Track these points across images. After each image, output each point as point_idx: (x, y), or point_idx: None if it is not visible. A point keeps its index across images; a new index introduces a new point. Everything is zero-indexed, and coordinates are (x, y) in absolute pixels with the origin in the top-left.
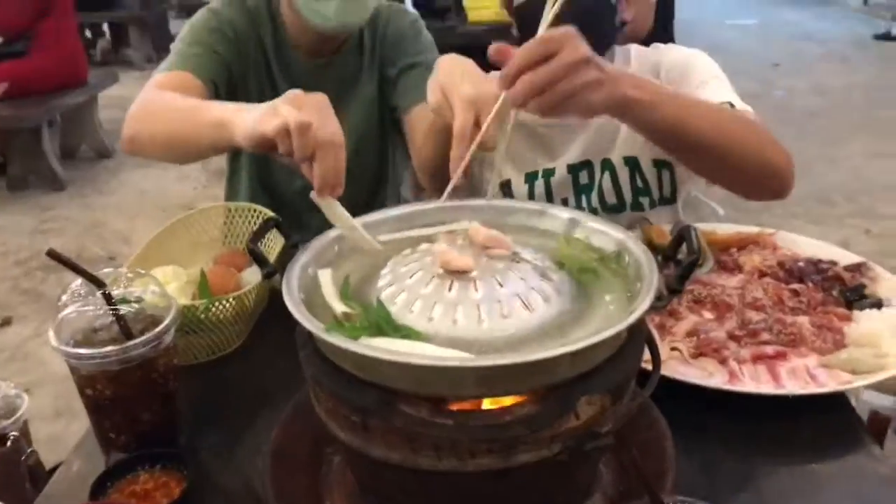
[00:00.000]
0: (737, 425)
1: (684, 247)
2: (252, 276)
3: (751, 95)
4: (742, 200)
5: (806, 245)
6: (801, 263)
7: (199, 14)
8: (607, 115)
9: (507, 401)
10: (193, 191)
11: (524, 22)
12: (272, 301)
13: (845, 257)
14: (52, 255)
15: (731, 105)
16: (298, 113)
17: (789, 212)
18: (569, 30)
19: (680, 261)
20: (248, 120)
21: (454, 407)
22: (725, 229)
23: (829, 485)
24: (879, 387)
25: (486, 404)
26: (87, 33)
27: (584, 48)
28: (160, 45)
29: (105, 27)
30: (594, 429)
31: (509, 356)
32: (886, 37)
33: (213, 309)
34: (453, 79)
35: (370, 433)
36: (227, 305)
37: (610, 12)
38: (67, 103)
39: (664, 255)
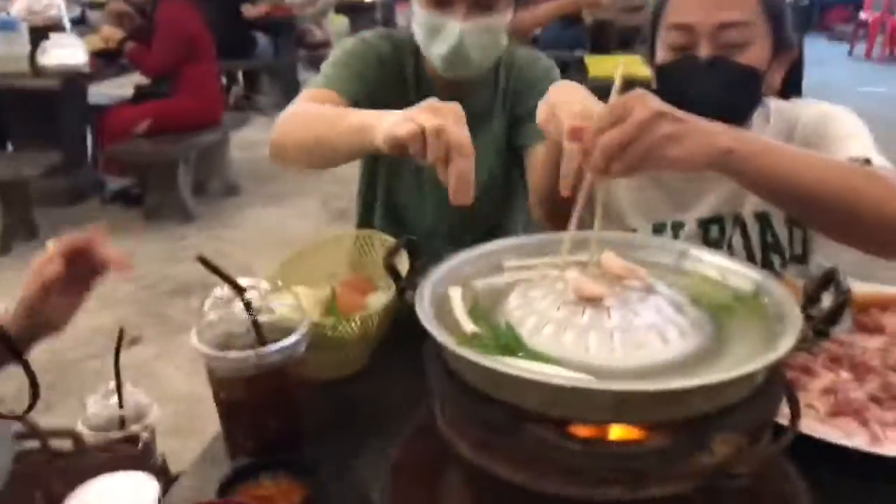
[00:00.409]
0: (877, 494)
1: (829, 292)
2: (376, 301)
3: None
4: (866, 271)
5: None
6: None
7: (350, 41)
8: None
9: (640, 431)
10: (314, 228)
11: (664, 79)
12: (393, 327)
13: None
14: (201, 260)
15: (868, 161)
16: (433, 117)
17: None
18: (637, 91)
19: (822, 305)
20: (386, 124)
21: (584, 433)
22: (864, 288)
23: None
24: None
25: (617, 433)
26: (224, 79)
27: (654, 104)
28: (289, 92)
29: (240, 74)
30: (729, 470)
31: (644, 383)
32: None
33: (340, 328)
34: (562, 98)
35: (495, 452)
36: (354, 326)
37: (756, 81)
38: (202, 142)
39: (808, 297)
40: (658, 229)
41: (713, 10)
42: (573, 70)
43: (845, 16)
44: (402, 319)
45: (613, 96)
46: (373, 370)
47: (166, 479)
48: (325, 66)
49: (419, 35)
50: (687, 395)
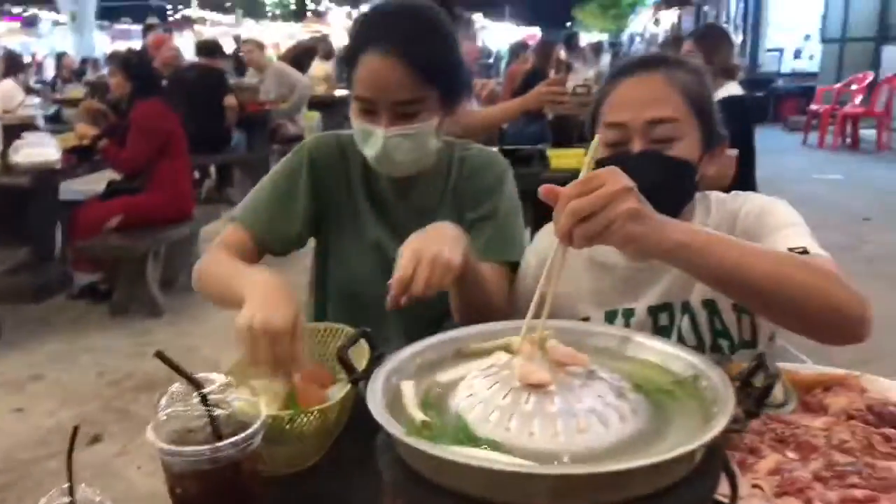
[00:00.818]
0: None
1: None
2: (336, 393)
3: (841, 249)
4: (832, 353)
5: (894, 388)
6: (891, 407)
7: (288, 156)
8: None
9: None
10: None
11: None
12: (351, 420)
13: None
14: (159, 355)
15: (805, 251)
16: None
17: (884, 368)
18: (611, 167)
19: (756, 387)
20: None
21: None
22: (809, 370)
23: None
24: None
25: None
26: (196, 173)
27: (624, 180)
28: None
29: (212, 168)
30: None
31: (584, 466)
32: None
33: (298, 421)
34: (424, 245)
35: None
36: (311, 418)
37: (690, 171)
38: (172, 236)
39: (741, 381)
40: (610, 317)
41: (643, 108)
42: (536, 162)
43: (798, 108)
44: (361, 411)
45: (586, 170)
46: (332, 463)
47: None
48: (259, 187)
49: (356, 138)
50: (623, 476)
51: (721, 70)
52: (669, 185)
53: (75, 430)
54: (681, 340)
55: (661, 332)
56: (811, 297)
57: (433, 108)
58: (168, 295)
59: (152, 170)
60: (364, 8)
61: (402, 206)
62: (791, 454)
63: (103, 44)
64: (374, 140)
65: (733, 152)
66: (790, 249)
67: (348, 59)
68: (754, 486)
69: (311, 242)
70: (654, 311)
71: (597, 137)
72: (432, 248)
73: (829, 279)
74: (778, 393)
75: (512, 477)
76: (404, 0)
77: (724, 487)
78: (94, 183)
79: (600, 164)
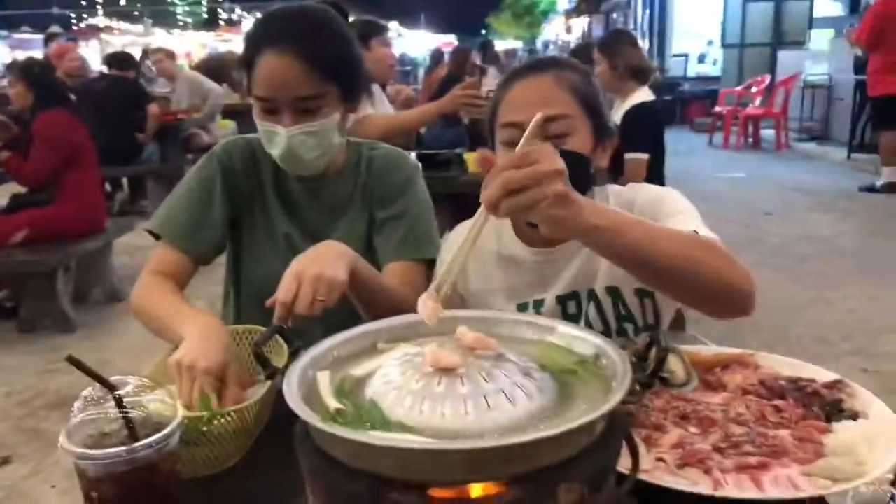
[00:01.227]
0: None
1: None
2: (254, 394)
3: (744, 242)
4: (742, 339)
5: (786, 364)
6: (781, 381)
7: (200, 163)
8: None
9: (492, 488)
10: None
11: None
12: (271, 421)
13: (823, 375)
14: (70, 360)
15: (696, 233)
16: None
17: (787, 350)
18: (547, 145)
19: (650, 361)
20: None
21: (441, 494)
22: (708, 351)
23: None
24: (865, 502)
25: (471, 492)
26: (108, 185)
27: (558, 163)
28: None
29: (124, 180)
30: None
31: (490, 440)
32: (871, 189)
33: (216, 422)
34: (308, 266)
35: None
36: (229, 419)
37: (585, 163)
38: (83, 249)
39: (637, 357)
40: (521, 308)
41: (537, 107)
42: (454, 166)
43: (703, 110)
44: (281, 411)
45: (523, 143)
46: (253, 462)
47: None
48: (173, 196)
49: (262, 140)
50: (529, 448)
51: (630, 72)
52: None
53: None
54: (588, 326)
55: (570, 319)
56: (710, 274)
57: (333, 104)
58: (81, 310)
59: (60, 182)
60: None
61: (313, 206)
62: (692, 429)
63: (1, 54)
64: (277, 139)
65: (644, 156)
66: None
67: (246, 62)
68: (658, 459)
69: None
70: (562, 300)
71: (537, 117)
72: (314, 268)
73: (724, 258)
74: (680, 373)
75: (424, 455)
76: (297, 3)
77: (628, 462)
78: None
79: None
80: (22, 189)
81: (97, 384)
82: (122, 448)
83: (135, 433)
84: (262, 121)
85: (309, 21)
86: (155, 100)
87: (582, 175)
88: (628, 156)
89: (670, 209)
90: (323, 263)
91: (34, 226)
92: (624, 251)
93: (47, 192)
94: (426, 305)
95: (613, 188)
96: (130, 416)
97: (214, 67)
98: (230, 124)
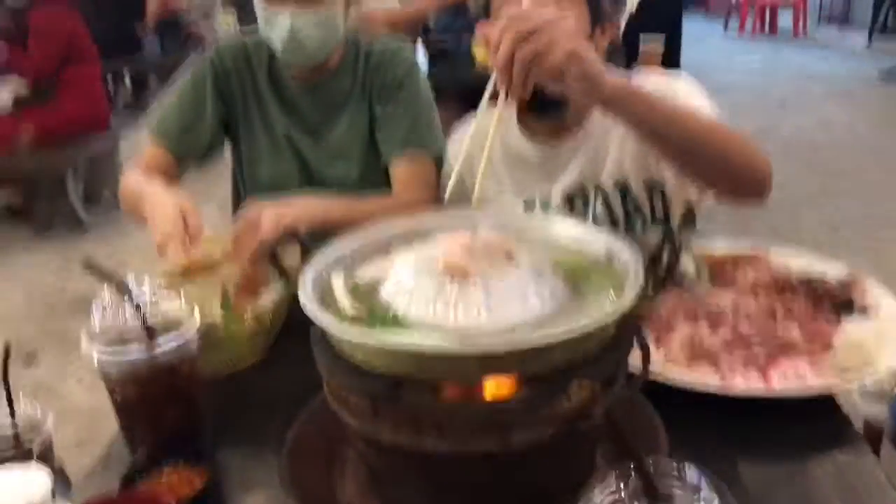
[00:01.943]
0: (730, 426)
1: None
2: (270, 296)
3: (758, 132)
4: (748, 231)
5: (798, 261)
6: (793, 279)
7: (198, 61)
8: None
9: (506, 386)
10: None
11: None
12: (289, 320)
13: (836, 271)
14: (86, 264)
15: None
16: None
17: (799, 239)
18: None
19: (664, 261)
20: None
21: (455, 392)
22: (720, 248)
23: (818, 482)
24: (872, 396)
25: (484, 390)
26: (110, 81)
27: (565, 14)
28: None
29: (126, 75)
30: (585, 412)
31: (505, 341)
32: (891, 74)
33: (233, 325)
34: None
35: (379, 418)
36: (247, 322)
37: None
38: (91, 149)
39: (651, 256)
40: (529, 205)
41: None
42: (462, 60)
43: None
44: (297, 312)
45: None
46: (270, 363)
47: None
48: (169, 96)
49: (261, 25)
50: (541, 349)
51: None
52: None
53: (7, 346)
54: (595, 223)
55: (577, 216)
56: (733, 152)
57: None
58: (93, 210)
59: (60, 78)
60: None
61: (311, 104)
62: (702, 325)
63: None
64: (280, 26)
65: (658, 47)
66: None
67: None
68: (667, 356)
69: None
70: (569, 196)
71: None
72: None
73: (746, 140)
74: (691, 270)
75: (438, 356)
76: None
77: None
78: None
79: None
80: (24, 91)
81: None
82: (143, 353)
83: (154, 337)
84: (266, 5)
85: None
86: None
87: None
88: (644, 47)
89: (684, 95)
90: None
91: (39, 125)
92: (651, 117)
93: (48, 92)
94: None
95: (620, 73)
96: (149, 322)
97: None
98: (231, 20)
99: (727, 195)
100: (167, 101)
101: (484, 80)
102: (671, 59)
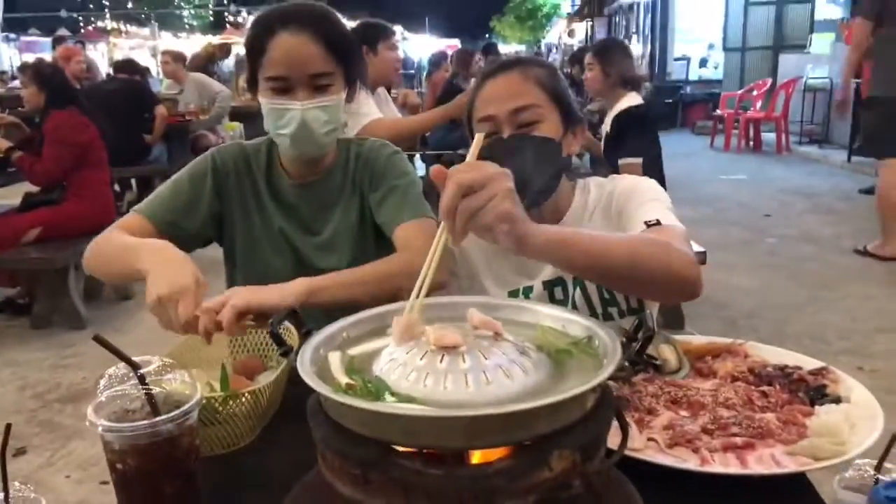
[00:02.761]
0: None
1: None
2: (266, 378)
3: (744, 243)
4: (733, 337)
5: (773, 353)
6: (769, 369)
7: (199, 159)
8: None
9: (491, 454)
10: None
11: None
12: (283, 405)
13: (809, 363)
14: (97, 339)
15: (658, 222)
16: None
17: (785, 348)
18: (490, 163)
19: (638, 341)
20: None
21: (444, 460)
22: (700, 340)
23: None
24: (852, 486)
25: (473, 458)
26: (116, 186)
27: (504, 169)
28: None
29: (133, 181)
30: (566, 482)
31: (489, 408)
32: (871, 191)
33: (231, 403)
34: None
35: (370, 485)
36: (243, 400)
37: (555, 147)
38: None
39: (626, 337)
40: (512, 295)
41: (507, 101)
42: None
43: (705, 113)
44: (292, 395)
45: (470, 158)
46: (264, 444)
47: None
48: (167, 183)
49: (268, 123)
50: (524, 417)
51: (622, 80)
52: (540, 160)
53: (7, 428)
54: (575, 310)
55: (558, 304)
56: (658, 269)
57: (339, 85)
58: (92, 307)
59: (71, 181)
60: None
61: (305, 203)
62: (683, 412)
63: (10, 56)
64: (290, 116)
65: (637, 160)
66: (646, 222)
67: (256, 49)
68: (650, 439)
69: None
70: (549, 285)
71: (479, 135)
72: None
73: (669, 251)
74: (673, 361)
75: (428, 421)
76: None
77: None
78: (9, 196)
79: (481, 153)
80: (34, 189)
81: (120, 364)
82: (145, 422)
83: (157, 409)
84: (275, 100)
85: (318, 9)
86: (162, 101)
87: (552, 157)
88: (622, 161)
89: (642, 198)
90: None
91: (46, 224)
92: (578, 261)
93: (59, 192)
94: (398, 323)
95: (595, 179)
96: (152, 393)
97: (203, 66)
98: (237, 126)
99: (663, 300)
100: (161, 188)
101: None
102: (656, 175)
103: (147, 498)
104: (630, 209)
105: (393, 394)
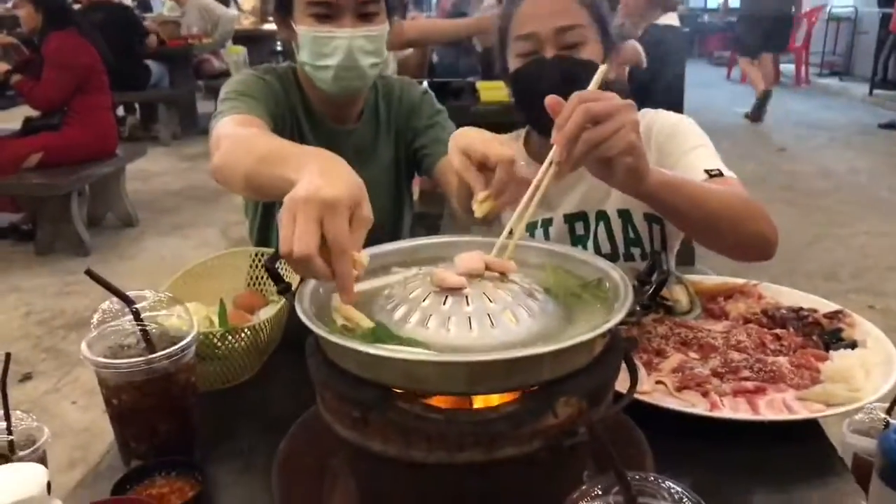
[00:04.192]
0: (716, 451)
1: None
2: (266, 313)
3: (758, 178)
4: (745, 274)
5: (788, 294)
6: (783, 311)
7: (243, 74)
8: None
9: (494, 399)
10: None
11: (519, 82)
12: (284, 340)
13: (825, 306)
14: (90, 274)
15: (720, 173)
16: (304, 241)
17: (795, 286)
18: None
19: (651, 284)
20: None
21: (445, 404)
22: (713, 280)
23: None
24: (862, 430)
25: (475, 403)
26: (120, 110)
27: (636, 115)
28: (187, 123)
29: (136, 105)
30: (571, 428)
31: (495, 354)
32: (891, 125)
33: (230, 338)
34: (468, 140)
35: (369, 428)
36: (243, 336)
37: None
38: (96, 174)
39: (638, 280)
40: (530, 227)
41: (551, 18)
42: (466, 95)
43: (723, 43)
44: (292, 330)
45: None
46: (263, 380)
47: None
48: (227, 99)
49: (306, 54)
50: (530, 362)
51: (663, 1)
52: (583, 86)
53: (7, 357)
54: (596, 248)
55: (578, 240)
56: (746, 225)
57: (383, 14)
58: (95, 234)
59: (71, 105)
60: None
61: (343, 151)
62: (693, 354)
63: None
64: (336, 45)
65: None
66: (708, 171)
67: None
68: (658, 382)
69: None
70: (570, 219)
71: (603, 66)
72: (313, 193)
73: (757, 211)
74: (684, 301)
75: (429, 366)
76: None
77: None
78: (9, 120)
79: (517, 75)
80: (34, 113)
81: (115, 298)
82: (141, 358)
83: (152, 346)
84: (318, 27)
85: None
86: (163, 24)
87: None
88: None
89: (688, 144)
90: (326, 182)
91: (48, 149)
92: (684, 206)
93: (59, 116)
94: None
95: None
96: (147, 329)
97: None
98: (241, 50)
99: (737, 257)
100: (231, 100)
101: (486, 116)
102: (675, 103)
103: (142, 433)
104: (676, 151)
105: (393, 336)
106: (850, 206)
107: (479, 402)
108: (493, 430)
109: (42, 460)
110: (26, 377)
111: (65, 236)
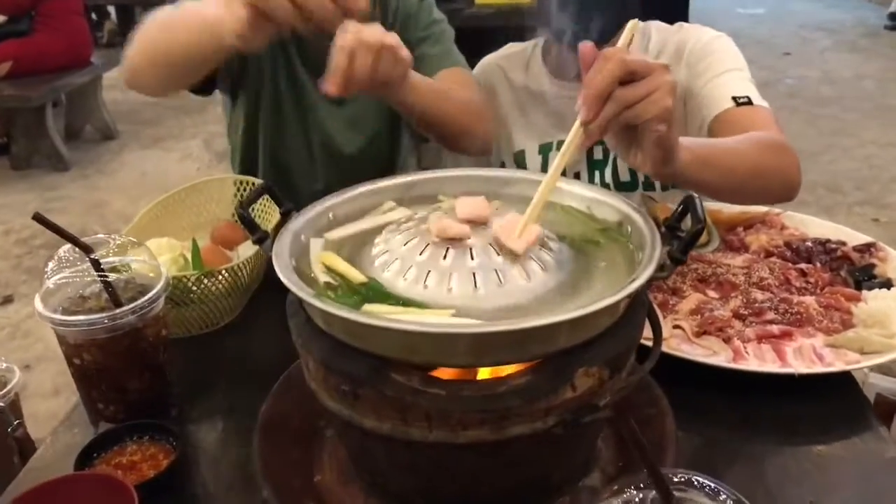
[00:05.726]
0: (740, 405)
1: (688, 218)
2: (249, 250)
3: (761, 84)
4: None
5: (814, 225)
6: (808, 243)
7: None
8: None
9: (502, 371)
10: (196, 171)
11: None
12: (269, 276)
13: (854, 238)
14: (37, 218)
15: (749, 101)
16: None
17: (798, 199)
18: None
19: (684, 232)
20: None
21: (446, 376)
22: (732, 208)
23: (833, 466)
24: (886, 369)
25: (480, 374)
26: (94, 16)
27: (673, 78)
28: None
29: (111, 9)
30: (591, 402)
31: (504, 323)
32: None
33: (206, 281)
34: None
35: (360, 403)
36: (220, 278)
37: None
38: (72, 83)
39: (668, 226)
40: (544, 149)
41: None
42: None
43: None
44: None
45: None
46: (247, 322)
47: (31, 449)
48: None
49: None
50: (544, 332)
51: None
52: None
53: None
54: (615, 174)
55: (596, 165)
56: (775, 180)
57: None
58: (73, 147)
59: (39, 9)
60: None
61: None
62: (712, 293)
63: None
64: None
65: None
66: (735, 98)
67: None
68: (675, 326)
69: None
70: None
71: (633, 21)
72: (373, 36)
73: (785, 155)
74: None
75: (426, 337)
76: None
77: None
78: None
79: None
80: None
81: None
82: (103, 314)
83: (116, 298)
84: None
85: None
86: None
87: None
88: None
89: (723, 64)
90: (382, 32)
91: (17, 58)
92: (714, 181)
93: (27, 22)
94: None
95: (656, 24)
96: (109, 279)
97: None
98: None
99: (760, 202)
100: None
101: (481, 19)
102: (682, 5)
103: (110, 394)
104: (707, 72)
105: (387, 295)
106: (856, 113)
107: (485, 373)
108: (501, 405)
109: (14, 404)
110: (7, 300)
111: (42, 150)
